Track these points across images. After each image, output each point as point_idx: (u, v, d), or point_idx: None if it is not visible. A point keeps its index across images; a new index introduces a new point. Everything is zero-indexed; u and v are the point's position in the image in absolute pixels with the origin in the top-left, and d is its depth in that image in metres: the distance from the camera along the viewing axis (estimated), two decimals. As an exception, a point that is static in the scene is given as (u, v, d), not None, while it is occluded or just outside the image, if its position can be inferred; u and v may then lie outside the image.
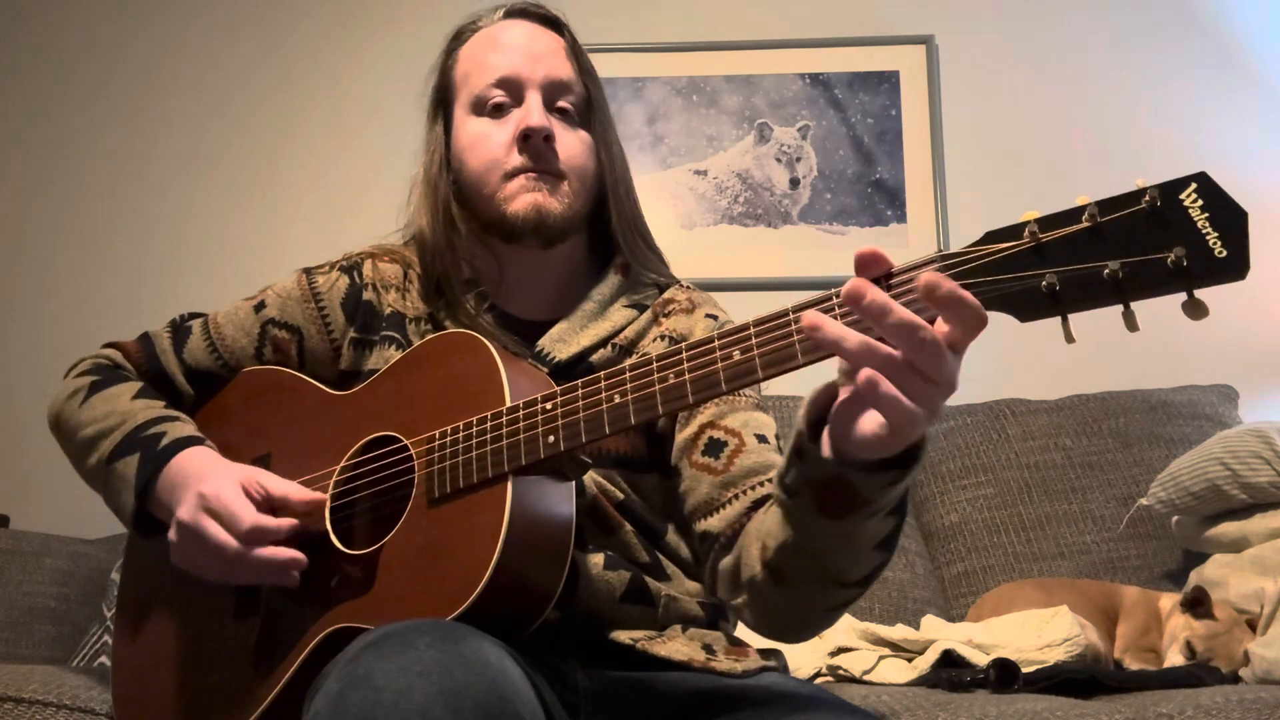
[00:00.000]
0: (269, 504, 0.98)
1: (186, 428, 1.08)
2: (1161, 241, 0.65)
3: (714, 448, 1.05)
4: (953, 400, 2.47)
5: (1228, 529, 1.80)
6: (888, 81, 2.59)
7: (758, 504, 1.00)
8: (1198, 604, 1.59)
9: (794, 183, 2.56)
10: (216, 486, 0.97)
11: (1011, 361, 2.27)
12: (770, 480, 0.99)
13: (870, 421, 0.72)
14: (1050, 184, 2.52)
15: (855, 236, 2.51)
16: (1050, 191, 2.51)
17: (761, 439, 1.06)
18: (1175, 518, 1.90)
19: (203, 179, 2.63)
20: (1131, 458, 2.09)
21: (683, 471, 1.07)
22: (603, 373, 0.87)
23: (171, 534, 0.99)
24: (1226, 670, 1.49)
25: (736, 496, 1.02)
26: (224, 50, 2.70)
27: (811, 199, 2.55)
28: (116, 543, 2.11)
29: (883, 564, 0.89)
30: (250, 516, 0.95)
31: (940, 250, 0.70)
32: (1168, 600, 1.69)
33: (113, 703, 1.10)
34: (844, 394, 0.74)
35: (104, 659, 1.83)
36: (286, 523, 0.96)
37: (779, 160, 2.57)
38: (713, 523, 1.02)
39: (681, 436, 1.08)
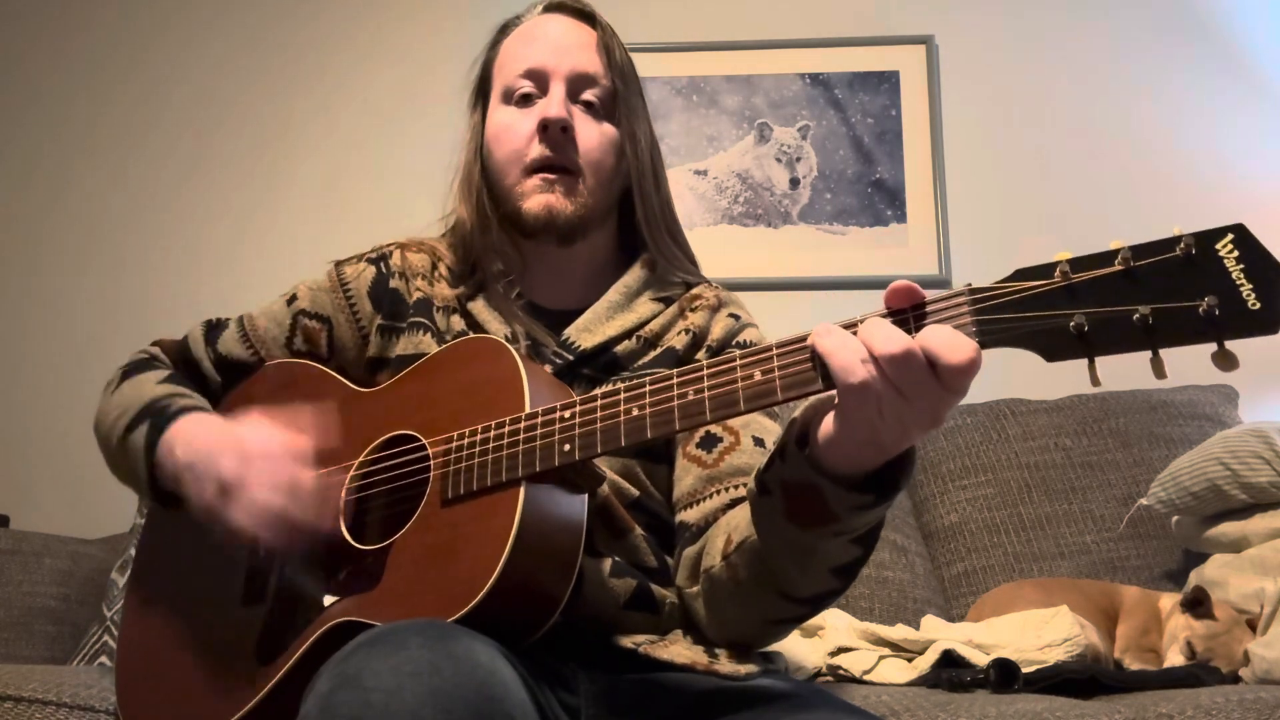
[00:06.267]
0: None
1: (200, 403, 1.10)
2: (1194, 289, 0.65)
3: (709, 441, 1.07)
4: (953, 400, 2.41)
5: (1228, 529, 1.80)
6: (888, 81, 2.59)
7: (735, 502, 1.01)
8: (1198, 604, 1.58)
9: (794, 183, 2.56)
10: (249, 422, 0.99)
11: (1011, 361, 2.26)
12: None
13: (831, 420, 0.74)
14: (1050, 184, 2.52)
15: (855, 236, 2.51)
16: (1050, 191, 2.52)
17: (759, 442, 1.07)
18: (1175, 518, 1.90)
19: (203, 180, 2.63)
20: (1131, 458, 2.08)
21: (676, 459, 1.09)
22: (622, 385, 0.87)
23: (182, 454, 0.99)
24: (1226, 670, 1.49)
25: (718, 492, 1.03)
26: (225, 49, 2.70)
27: (811, 199, 2.55)
28: (116, 543, 2.11)
29: (836, 591, 0.89)
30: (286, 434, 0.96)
31: (969, 285, 0.71)
32: (1168, 600, 1.68)
33: (116, 684, 1.11)
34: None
35: (104, 659, 1.83)
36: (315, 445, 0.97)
37: (779, 160, 2.57)
38: (691, 514, 1.04)
39: None
